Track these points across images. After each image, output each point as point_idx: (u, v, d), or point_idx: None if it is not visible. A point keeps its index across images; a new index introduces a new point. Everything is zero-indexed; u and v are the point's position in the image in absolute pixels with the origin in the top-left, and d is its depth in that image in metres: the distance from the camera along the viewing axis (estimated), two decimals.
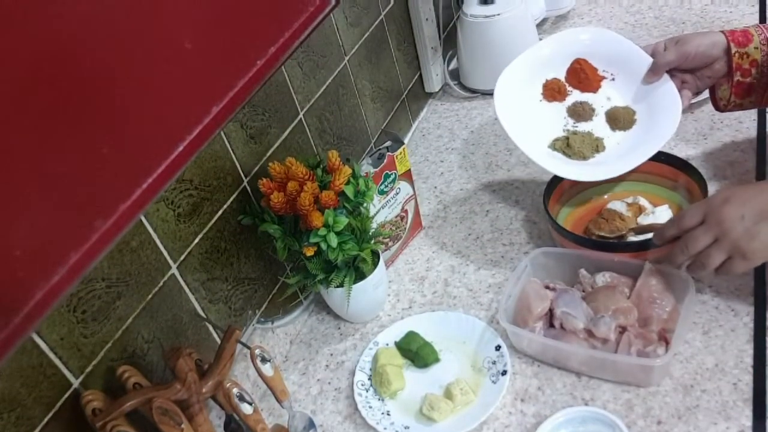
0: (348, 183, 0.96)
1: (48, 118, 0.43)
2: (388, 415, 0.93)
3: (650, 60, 1.06)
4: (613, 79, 1.13)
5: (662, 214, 1.03)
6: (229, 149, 0.94)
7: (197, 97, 0.54)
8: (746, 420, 0.80)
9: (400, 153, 1.10)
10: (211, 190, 0.91)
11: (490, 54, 1.49)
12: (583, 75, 1.13)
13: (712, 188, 1.06)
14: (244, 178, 0.98)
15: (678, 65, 1.04)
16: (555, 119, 1.13)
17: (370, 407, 0.94)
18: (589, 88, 1.13)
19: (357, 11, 1.25)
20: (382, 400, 0.95)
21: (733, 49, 0.99)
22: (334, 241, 0.93)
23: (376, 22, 1.33)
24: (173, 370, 0.79)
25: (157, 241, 0.83)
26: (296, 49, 0.65)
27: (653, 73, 1.06)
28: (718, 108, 1.10)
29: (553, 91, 1.14)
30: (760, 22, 1.47)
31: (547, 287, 0.97)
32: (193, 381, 0.78)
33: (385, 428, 0.90)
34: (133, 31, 0.49)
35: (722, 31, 1.01)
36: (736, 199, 0.81)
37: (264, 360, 0.87)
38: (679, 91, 1.05)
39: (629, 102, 1.11)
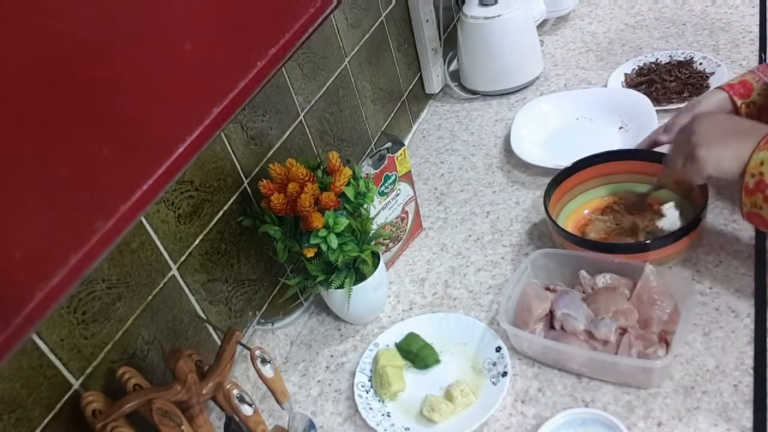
0: (348, 184, 0.96)
1: (48, 120, 0.43)
2: (389, 416, 0.93)
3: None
4: None
5: (670, 212, 1.03)
6: (230, 150, 0.94)
7: (197, 98, 0.54)
8: (747, 422, 0.79)
9: (401, 154, 1.10)
10: (211, 191, 0.91)
11: (491, 55, 1.49)
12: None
13: (712, 190, 1.06)
14: (244, 179, 0.98)
15: None
16: None
17: (371, 409, 0.94)
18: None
19: (357, 12, 1.25)
20: (383, 401, 0.95)
21: (738, 102, 1.02)
22: (334, 242, 0.93)
23: (377, 24, 1.33)
24: (173, 372, 0.79)
25: (158, 243, 0.83)
26: (297, 51, 0.65)
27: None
28: None
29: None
30: (761, 22, 1.47)
31: (547, 289, 0.97)
32: (193, 382, 0.78)
33: (385, 430, 0.90)
34: (134, 33, 0.48)
35: (721, 88, 1.04)
36: (709, 116, 0.90)
37: (264, 361, 0.87)
38: None
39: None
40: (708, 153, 0.84)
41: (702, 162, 0.85)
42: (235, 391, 0.81)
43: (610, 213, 1.11)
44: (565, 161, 1.14)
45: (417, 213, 1.21)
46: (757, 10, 1.52)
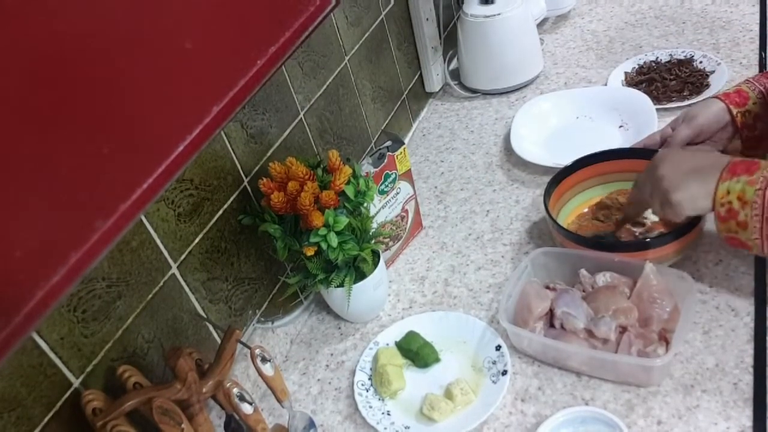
0: (348, 183, 0.96)
1: (48, 118, 0.43)
2: (389, 414, 0.93)
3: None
4: None
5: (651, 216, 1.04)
6: (230, 149, 0.94)
7: (197, 96, 0.54)
8: (746, 420, 0.79)
9: (401, 153, 1.10)
10: (211, 189, 0.91)
11: (491, 54, 1.49)
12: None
13: None
14: (244, 177, 0.98)
15: (693, 140, 1.06)
16: None
17: (371, 407, 0.94)
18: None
19: (357, 11, 1.25)
20: (383, 400, 0.95)
21: (734, 111, 1.03)
22: (334, 240, 0.93)
23: (377, 22, 1.33)
24: (173, 370, 0.79)
25: (158, 241, 0.83)
26: (297, 49, 0.65)
27: None
28: None
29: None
30: (761, 21, 1.47)
31: (547, 287, 0.97)
32: (193, 381, 0.78)
33: (385, 428, 0.90)
34: (134, 31, 0.48)
35: (717, 97, 1.05)
36: (670, 158, 0.92)
37: (264, 360, 0.87)
38: None
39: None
40: (682, 196, 0.87)
41: (678, 206, 0.88)
42: (235, 390, 0.81)
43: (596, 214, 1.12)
44: (565, 160, 1.14)
45: (417, 212, 1.21)
46: (757, 8, 1.52)
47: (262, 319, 1.05)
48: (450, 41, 1.65)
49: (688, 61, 1.41)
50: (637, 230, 1.05)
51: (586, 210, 1.13)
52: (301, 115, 1.11)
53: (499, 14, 1.43)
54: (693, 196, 0.87)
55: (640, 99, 1.32)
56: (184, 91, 0.53)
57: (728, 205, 0.83)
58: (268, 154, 1.03)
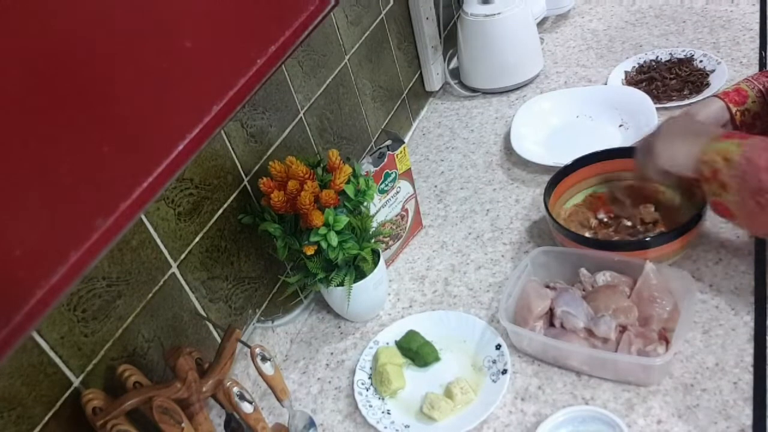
0: (348, 182, 0.96)
1: (48, 117, 0.43)
2: (389, 414, 0.93)
3: None
4: None
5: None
6: (230, 148, 0.94)
7: (197, 96, 0.54)
8: (746, 419, 0.79)
9: (401, 152, 1.10)
10: (211, 189, 0.91)
11: (491, 53, 1.49)
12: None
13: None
14: (244, 177, 0.98)
15: None
16: None
17: (371, 406, 0.94)
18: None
19: (357, 10, 1.25)
20: (383, 399, 0.95)
21: (734, 109, 1.03)
22: (334, 240, 0.93)
23: (377, 21, 1.33)
24: (173, 369, 0.79)
25: (158, 240, 0.83)
26: (297, 48, 0.65)
27: None
28: None
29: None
30: (761, 20, 1.47)
31: (547, 286, 0.98)
32: (193, 380, 0.78)
33: (385, 427, 0.90)
34: (134, 30, 0.48)
35: (716, 95, 1.05)
36: (675, 119, 0.97)
37: (264, 359, 0.87)
38: None
39: None
40: (663, 148, 0.91)
41: (657, 156, 0.91)
42: (235, 389, 0.81)
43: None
44: (565, 159, 1.14)
45: (417, 211, 1.21)
46: (757, 7, 1.52)
47: (262, 318, 1.05)
48: (450, 40, 1.65)
49: (688, 60, 1.41)
50: (631, 223, 1.05)
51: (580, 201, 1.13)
52: (301, 114, 1.11)
53: (499, 13, 1.43)
54: (674, 151, 0.89)
55: (640, 98, 1.32)
56: (184, 91, 0.53)
57: (711, 165, 0.84)
58: (268, 153, 1.03)
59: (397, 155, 1.10)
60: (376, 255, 1.02)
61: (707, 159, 0.85)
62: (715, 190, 0.85)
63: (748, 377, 0.84)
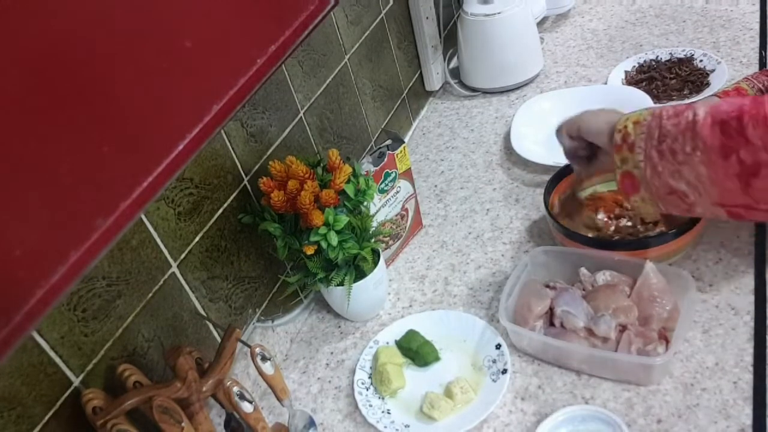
0: (348, 182, 0.96)
1: (48, 117, 0.43)
2: (389, 413, 0.93)
3: None
4: None
5: None
6: (230, 148, 0.94)
7: (197, 95, 0.54)
8: (746, 419, 0.79)
9: (401, 151, 1.10)
10: (211, 188, 0.91)
11: (491, 53, 1.49)
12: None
13: None
14: (244, 176, 0.98)
15: None
16: None
17: (371, 406, 0.94)
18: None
19: (357, 10, 1.25)
20: (383, 398, 0.95)
21: None
22: (334, 239, 0.93)
23: (377, 21, 1.33)
24: (173, 369, 0.79)
25: (158, 240, 0.83)
26: (296, 48, 0.65)
27: None
28: None
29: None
30: (761, 20, 1.47)
31: (547, 286, 0.98)
32: (193, 379, 0.78)
33: (385, 427, 0.90)
34: (134, 30, 0.49)
35: (716, 95, 1.05)
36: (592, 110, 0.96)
37: (264, 358, 0.87)
38: None
39: None
40: (584, 116, 0.92)
41: (579, 118, 0.92)
42: (235, 389, 0.81)
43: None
44: (565, 159, 1.13)
45: (417, 210, 1.21)
46: (757, 7, 1.52)
47: (262, 317, 1.05)
48: (450, 40, 1.65)
49: (689, 60, 1.41)
50: (631, 222, 1.04)
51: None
52: (301, 114, 1.11)
53: (499, 13, 1.43)
54: (596, 117, 0.90)
55: (641, 98, 1.32)
56: (184, 90, 0.53)
57: (624, 131, 0.85)
58: (268, 152, 1.03)
59: (397, 155, 1.10)
60: (376, 254, 1.03)
61: (621, 127, 0.86)
62: (624, 155, 0.85)
63: (748, 377, 0.84)
